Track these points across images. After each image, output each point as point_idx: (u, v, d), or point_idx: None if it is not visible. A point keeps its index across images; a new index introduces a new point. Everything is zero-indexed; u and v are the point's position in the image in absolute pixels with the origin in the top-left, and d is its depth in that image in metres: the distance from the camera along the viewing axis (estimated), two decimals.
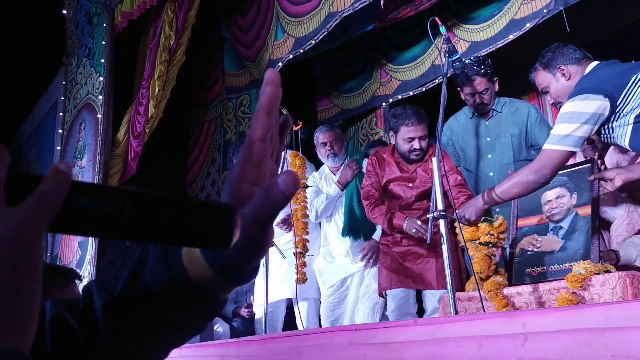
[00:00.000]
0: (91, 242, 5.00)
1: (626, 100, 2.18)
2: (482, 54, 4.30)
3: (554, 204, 2.62)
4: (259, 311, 3.97)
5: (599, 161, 2.51)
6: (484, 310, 2.29)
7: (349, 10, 4.34)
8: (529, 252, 2.61)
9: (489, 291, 2.39)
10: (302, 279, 3.62)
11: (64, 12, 6.54)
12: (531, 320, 1.41)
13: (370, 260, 3.67)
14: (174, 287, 0.55)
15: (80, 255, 5.12)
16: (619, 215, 2.51)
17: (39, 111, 7.08)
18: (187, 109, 6.55)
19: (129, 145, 5.20)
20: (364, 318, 3.67)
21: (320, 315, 3.94)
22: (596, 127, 2.24)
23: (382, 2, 4.09)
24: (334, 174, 4.01)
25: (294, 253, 3.66)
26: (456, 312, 2.18)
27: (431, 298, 3.31)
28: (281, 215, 3.80)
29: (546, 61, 2.51)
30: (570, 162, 2.76)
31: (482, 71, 3.28)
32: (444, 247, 2.29)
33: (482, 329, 1.49)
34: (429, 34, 2.77)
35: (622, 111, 2.19)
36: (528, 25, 4.17)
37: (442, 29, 2.71)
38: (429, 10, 4.61)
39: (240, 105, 5.97)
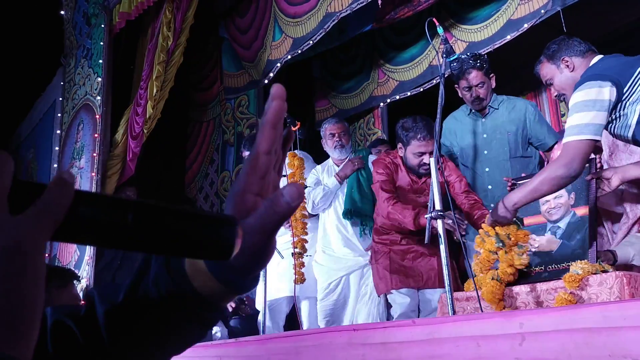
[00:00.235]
0: None
1: (632, 89, 2.18)
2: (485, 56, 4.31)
3: (552, 203, 2.62)
4: (260, 310, 3.97)
5: (597, 161, 2.51)
6: (482, 310, 2.29)
7: (346, 11, 4.35)
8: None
9: (487, 294, 2.39)
10: (300, 279, 3.62)
11: (62, 12, 6.54)
12: (529, 320, 1.41)
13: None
14: (176, 295, 0.56)
15: (78, 256, 5.11)
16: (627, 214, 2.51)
17: (37, 112, 7.07)
18: (186, 110, 6.55)
19: (127, 145, 5.19)
20: (367, 320, 3.67)
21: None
22: (608, 115, 2.21)
23: (379, 2, 4.10)
24: (338, 166, 4.03)
25: (292, 253, 3.67)
26: (454, 312, 2.19)
27: (431, 297, 3.32)
28: None
29: (551, 53, 2.51)
30: None
31: (478, 64, 3.32)
32: (442, 247, 2.29)
33: (480, 329, 1.50)
34: (426, 35, 2.78)
35: (628, 100, 2.18)
36: (526, 25, 4.18)
37: (440, 30, 2.72)
38: (426, 11, 4.61)
39: (239, 106, 5.97)
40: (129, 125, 5.21)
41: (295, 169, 3.83)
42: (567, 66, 2.46)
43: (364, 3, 4.22)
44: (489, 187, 3.37)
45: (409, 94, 5.39)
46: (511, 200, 2.37)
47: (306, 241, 3.72)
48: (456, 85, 3.43)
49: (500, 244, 2.42)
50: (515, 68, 5.30)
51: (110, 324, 0.58)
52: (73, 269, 3.64)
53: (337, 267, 3.82)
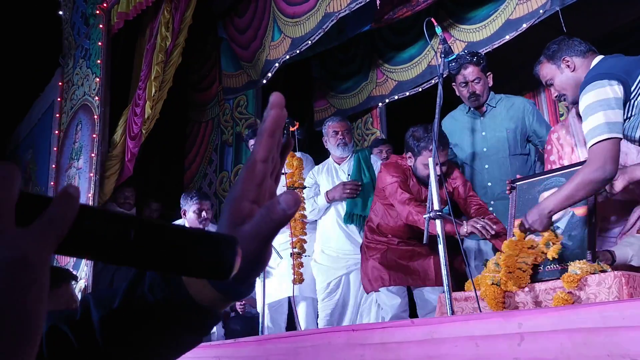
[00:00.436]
0: None
1: (639, 89, 2.17)
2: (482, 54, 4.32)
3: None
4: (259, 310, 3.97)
5: None
6: (481, 310, 2.29)
7: (345, 11, 4.35)
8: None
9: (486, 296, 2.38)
10: (299, 279, 3.62)
11: (60, 13, 6.53)
12: (527, 320, 1.41)
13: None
14: (172, 301, 0.56)
15: None
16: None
17: (36, 112, 7.07)
18: (184, 110, 6.54)
19: (125, 146, 5.19)
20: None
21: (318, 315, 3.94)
22: (623, 112, 2.18)
23: (378, 2, 4.10)
24: (339, 165, 4.03)
25: (290, 254, 3.66)
26: (453, 312, 2.19)
27: (429, 296, 3.32)
28: None
29: (551, 53, 2.49)
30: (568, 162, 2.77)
31: (475, 60, 3.32)
32: (440, 248, 2.29)
33: (479, 329, 1.50)
34: (425, 35, 2.77)
35: (635, 99, 2.17)
36: (524, 25, 4.19)
37: (438, 30, 2.72)
38: (425, 11, 4.61)
39: (237, 106, 5.97)
40: (128, 125, 5.21)
41: (294, 169, 3.82)
42: (568, 66, 2.44)
43: (363, 3, 4.23)
44: (489, 184, 3.38)
45: (407, 94, 5.39)
46: (546, 207, 2.30)
47: (305, 241, 3.72)
48: (453, 83, 3.44)
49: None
50: (514, 68, 5.30)
51: (106, 329, 0.58)
52: (70, 270, 3.63)
53: (337, 267, 3.82)
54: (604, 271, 2.17)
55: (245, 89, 5.72)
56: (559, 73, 2.47)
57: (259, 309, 3.55)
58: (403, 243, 3.33)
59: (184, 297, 0.56)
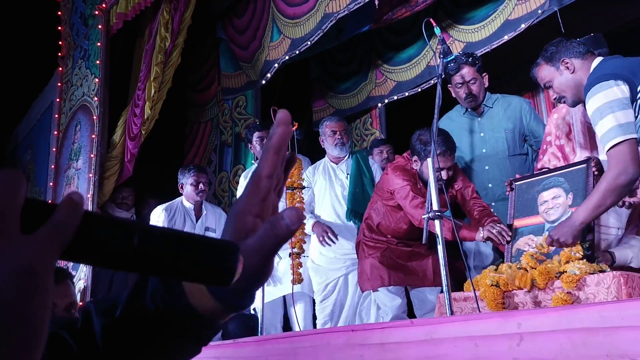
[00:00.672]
0: None
1: None
2: (477, 54, 4.32)
3: (550, 204, 2.62)
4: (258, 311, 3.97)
5: (592, 162, 2.51)
6: (480, 311, 2.29)
7: (344, 12, 4.35)
8: (525, 252, 2.61)
9: (486, 297, 2.38)
10: (297, 279, 3.62)
11: (59, 13, 6.53)
12: (526, 320, 1.42)
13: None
14: (173, 311, 0.57)
15: None
16: None
17: (35, 113, 7.07)
18: (183, 111, 6.54)
19: (125, 146, 5.19)
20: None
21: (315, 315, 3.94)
22: (634, 111, 2.14)
23: (376, 3, 4.10)
24: (336, 164, 4.02)
25: (290, 254, 3.66)
26: (452, 313, 2.19)
27: (428, 296, 3.32)
28: None
29: (549, 55, 2.47)
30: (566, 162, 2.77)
31: (470, 61, 3.33)
32: (439, 248, 2.29)
33: (478, 329, 1.50)
34: (424, 35, 2.77)
35: None
36: (523, 25, 4.19)
37: (437, 30, 2.72)
38: (424, 11, 4.61)
39: (236, 107, 5.97)
40: (127, 126, 5.21)
41: (293, 169, 3.82)
42: (567, 68, 2.42)
43: (362, 4, 4.23)
44: (489, 185, 3.38)
45: (406, 94, 5.39)
46: (577, 219, 2.27)
47: (304, 241, 3.72)
48: (449, 85, 3.43)
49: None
50: (512, 68, 5.30)
51: (108, 338, 0.58)
52: (68, 270, 3.64)
53: (334, 268, 3.81)
54: (602, 271, 2.17)
55: (245, 90, 5.72)
56: (558, 75, 2.45)
57: (258, 309, 3.54)
58: (402, 244, 3.33)
59: (186, 307, 0.56)
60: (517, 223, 2.72)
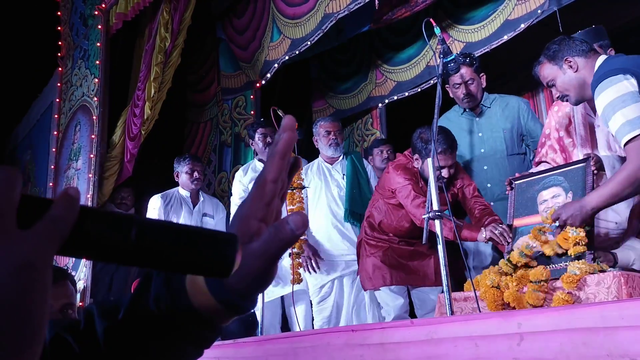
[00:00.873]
0: None
1: None
2: (477, 55, 4.32)
3: (550, 203, 2.61)
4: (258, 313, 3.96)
5: (592, 161, 2.50)
6: (480, 311, 2.29)
7: (344, 12, 4.35)
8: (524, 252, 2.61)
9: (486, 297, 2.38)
10: (297, 279, 3.62)
11: (59, 13, 6.53)
12: (527, 320, 1.41)
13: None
14: (176, 314, 0.57)
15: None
16: None
17: (34, 113, 7.07)
18: (183, 111, 6.53)
19: (124, 147, 5.19)
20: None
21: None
22: None
23: (376, 3, 4.10)
24: (331, 165, 4.02)
25: (289, 254, 3.66)
26: (452, 312, 2.19)
27: (429, 296, 3.32)
28: None
29: (552, 53, 2.44)
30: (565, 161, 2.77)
31: (468, 61, 3.33)
32: (439, 248, 2.29)
33: (478, 329, 1.50)
34: (424, 35, 2.77)
35: None
36: (522, 25, 4.19)
37: (437, 30, 2.72)
38: (423, 11, 4.62)
39: (236, 107, 5.96)
40: (127, 126, 5.20)
41: None
42: (571, 66, 2.39)
43: (362, 4, 4.23)
44: (488, 185, 3.38)
45: (406, 94, 5.40)
46: (588, 204, 2.24)
47: (303, 241, 3.72)
48: (447, 85, 3.44)
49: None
50: (512, 68, 5.31)
51: (110, 340, 0.59)
52: (66, 270, 3.64)
53: (329, 271, 3.78)
54: (603, 271, 2.17)
55: (244, 90, 5.72)
56: (561, 74, 2.42)
57: (258, 309, 3.54)
58: (404, 242, 3.33)
59: (188, 309, 0.57)
60: (517, 222, 2.72)
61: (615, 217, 2.49)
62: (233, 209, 4.30)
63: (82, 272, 4.86)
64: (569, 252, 2.31)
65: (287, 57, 5.02)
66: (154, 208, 4.30)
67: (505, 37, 4.34)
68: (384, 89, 5.57)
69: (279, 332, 3.91)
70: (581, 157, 2.70)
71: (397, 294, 3.33)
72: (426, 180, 3.13)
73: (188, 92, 6.52)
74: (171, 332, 0.58)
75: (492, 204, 3.30)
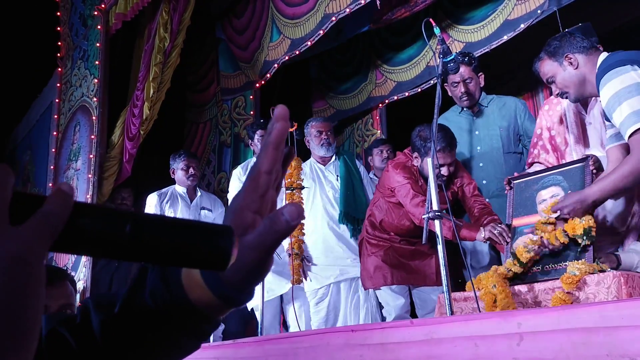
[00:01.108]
0: None
1: None
2: (477, 55, 4.33)
3: (549, 202, 2.62)
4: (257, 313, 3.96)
5: (590, 160, 2.50)
6: (480, 311, 2.29)
7: (344, 12, 4.35)
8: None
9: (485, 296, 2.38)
10: (297, 280, 3.62)
11: (59, 14, 6.53)
12: (526, 320, 1.41)
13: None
14: (172, 307, 0.57)
15: (75, 257, 5.10)
16: None
17: (34, 113, 7.06)
18: (182, 111, 6.53)
19: (123, 147, 5.18)
20: (367, 321, 3.65)
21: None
22: None
23: (378, 3, 4.10)
24: (324, 165, 4.01)
25: (289, 254, 3.66)
26: (452, 313, 2.19)
27: (430, 296, 3.32)
28: None
29: (552, 50, 2.42)
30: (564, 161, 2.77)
31: (466, 60, 3.34)
32: (439, 248, 2.29)
33: (478, 329, 1.50)
34: (423, 35, 2.77)
35: None
36: (522, 25, 4.19)
37: (436, 30, 2.72)
38: (423, 12, 4.62)
39: (235, 107, 5.96)
40: (126, 126, 5.20)
41: (292, 169, 3.82)
42: (571, 63, 2.37)
43: (362, 4, 4.23)
44: (484, 182, 3.39)
45: (407, 94, 5.40)
46: (590, 197, 2.23)
47: (303, 242, 3.71)
48: (445, 84, 3.44)
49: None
50: (512, 68, 5.31)
51: (106, 334, 0.58)
52: (66, 271, 3.64)
53: (325, 275, 3.76)
54: (602, 271, 2.17)
55: (244, 90, 5.72)
56: (561, 70, 2.41)
57: (257, 308, 3.54)
58: (405, 241, 3.33)
59: (185, 302, 0.56)
60: (516, 222, 2.72)
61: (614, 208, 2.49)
62: None
63: (81, 273, 4.86)
64: (577, 238, 2.30)
65: (286, 57, 5.02)
66: (150, 206, 4.33)
67: (505, 37, 4.34)
68: (384, 89, 5.57)
69: (278, 332, 3.91)
70: (574, 156, 2.70)
71: (398, 293, 3.33)
72: (426, 179, 3.13)
73: (187, 92, 6.52)
74: (167, 325, 0.57)
75: (487, 200, 3.31)
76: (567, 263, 2.28)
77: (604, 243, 2.49)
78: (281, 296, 3.97)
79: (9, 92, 6.86)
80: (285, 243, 3.73)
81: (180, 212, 4.32)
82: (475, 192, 3.17)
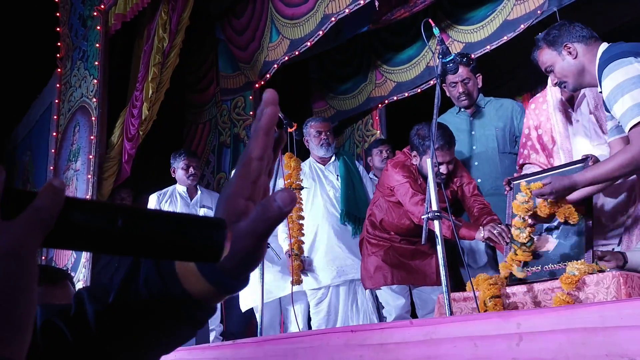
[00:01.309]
0: None
1: None
2: (476, 55, 4.34)
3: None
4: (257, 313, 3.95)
5: (590, 161, 2.50)
6: (479, 311, 2.29)
7: (344, 12, 4.35)
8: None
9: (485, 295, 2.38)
10: (297, 280, 3.61)
11: (58, 14, 6.52)
12: (526, 320, 1.41)
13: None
14: (167, 295, 0.56)
15: (75, 258, 5.10)
16: None
17: (33, 114, 7.06)
18: (181, 111, 6.53)
19: (123, 147, 5.18)
20: (363, 319, 3.66)
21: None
22: None
23: (376, 3, 4.10)
24: (324, 166, 4.01)
25: (288, 255, 3.66)
26: (451, 313, 2.19)
27: (430, 296, 3.32)
28: None
29: (551, 39, 2.38)
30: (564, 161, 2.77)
31: (465, 61, 3.36)
32: (439, 248, 2.29)
33: (477, 330, 1.50)
34: (423, 36, 2.77)
35: None
36: (522, 26, 4.19)
37: (436, 31, 2.72)
38: (423, 12, 4.62)
39: (235, 107, 5.96)
40: (125, 127, 5.20)
41: (291, 170, 3.82)
42: (570, 53, 2.34)
43: (361, 4, 4.23)
44: (478, 180, 3.40)
45: (406, 94, 5.40)
46: (582, 184, 2.24)
47: (302, 242, 3.71)
48: (444, 84, 3.45)
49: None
50: (512, 68, 5.31)
51: (101, 324, 0.58)
52: (66, 271, 3.64)
53: (325, 277, 3.76)
54: (601, 271, 2.17)
55: (243, 90, 5.72)
56: (560, 60, 2.37)
57: (257, 309, 3.54)
58: (405, 241, 3.32)
59: (179, 291, 0.56)
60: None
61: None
62: None
63: (81, 273, 4.86)
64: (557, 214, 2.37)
65: (286, 58, 5.02)
66: (150, 206, 4.34)
67: (505, 38, 4.34)
68: (384, 90, 5.58)
69: (278, 332, 3.90)
70: (561, 154, 2.71)
71: (399, 294, 3.33)
72: (425, 177, 3.12)
73: (187, 92, 6.52)
74: (162, 314, 0.57)
75: None
76: (566, 263, 2.29)
77: (602, 236, 2.50)
78: (280, 298, 3.97)
79: (9, 93, 6.85)
80: (285, 244, 3.73)
81: (178, 210, 4.32)
82: (475, 192, 3.17)
